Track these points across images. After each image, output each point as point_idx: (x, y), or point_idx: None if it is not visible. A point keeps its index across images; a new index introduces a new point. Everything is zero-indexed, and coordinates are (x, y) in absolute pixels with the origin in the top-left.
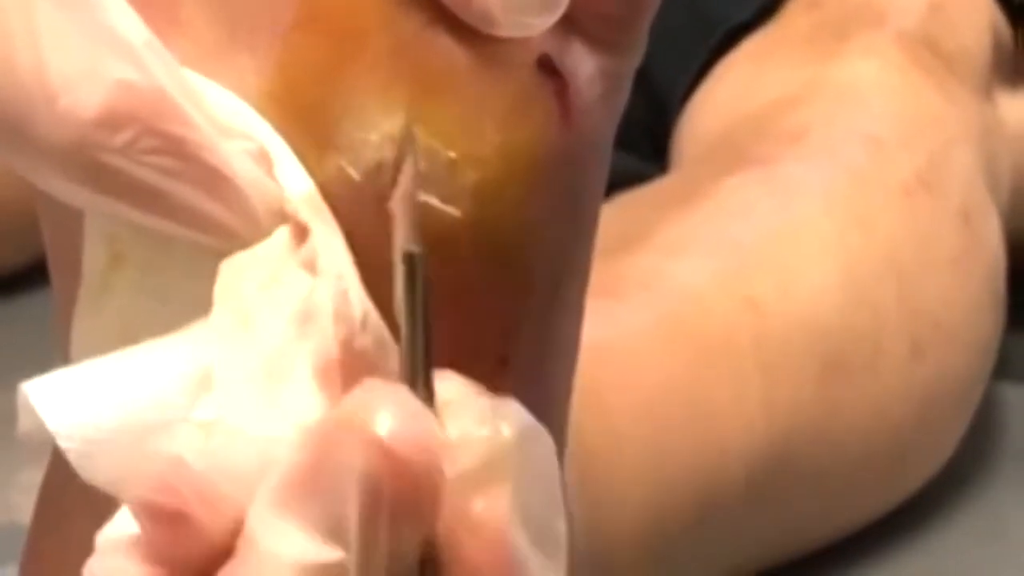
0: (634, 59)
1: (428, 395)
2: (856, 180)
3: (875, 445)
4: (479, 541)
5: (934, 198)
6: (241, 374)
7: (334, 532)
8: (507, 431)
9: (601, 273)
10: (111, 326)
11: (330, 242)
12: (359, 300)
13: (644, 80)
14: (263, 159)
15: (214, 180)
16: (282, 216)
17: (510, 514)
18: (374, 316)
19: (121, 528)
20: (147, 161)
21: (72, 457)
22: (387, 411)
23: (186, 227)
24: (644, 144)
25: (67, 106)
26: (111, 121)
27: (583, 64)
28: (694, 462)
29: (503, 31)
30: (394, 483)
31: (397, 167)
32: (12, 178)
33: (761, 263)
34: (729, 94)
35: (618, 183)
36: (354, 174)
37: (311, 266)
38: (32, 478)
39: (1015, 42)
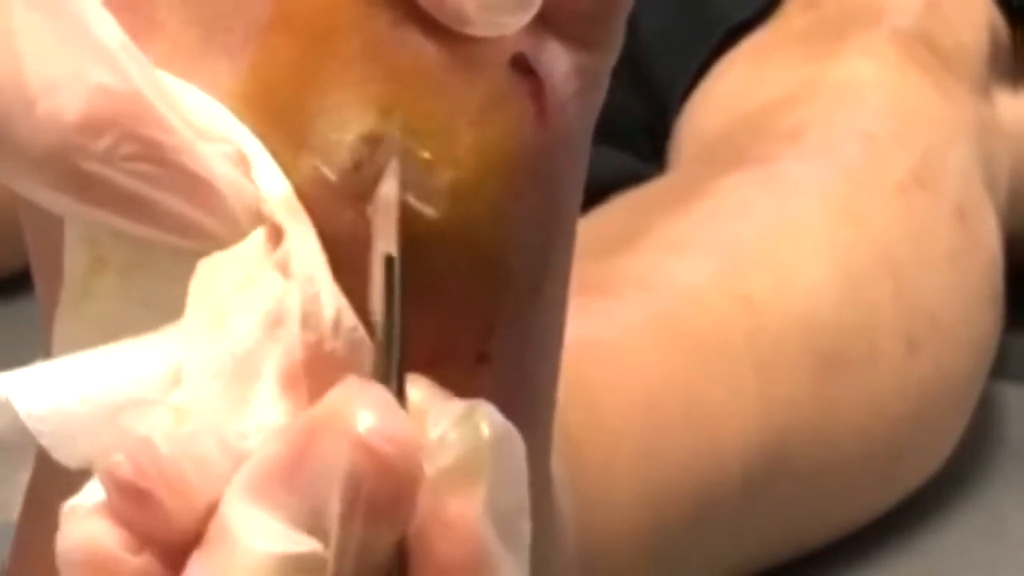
0: (610, 57)
1: (400, 397)
2: (852, 178)
3: (872, 443)
4: (452, 539)
5: (930, 195)
6: (210, 372)
7: (310, 526)
8: (486, 431)
9: (598, 271)
10: (92, 330)
11: (304, 244)
12: (332, 302)
13: (643, 80)
14: (240, 161)
15: (193, 184)
16: (259, 218)
17: (483, 514)
18: (348, 317)
19: (90, 497)
20: (127, 167)
21: (44, 440)
22: (369, 409)
23: (166, 232)
24: (643, 144)
25: (47, 112)
26: (91, 127)
27: (558, 62)
28: (690, 460)
29: (477, 30)
30: (375, 480)
31: (373, 167)
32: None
33: (757, 261)
34: (727, 94)
35: (617, 183)
36: (329, 174)
37: (285, 268)
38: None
39: (1013, 41)
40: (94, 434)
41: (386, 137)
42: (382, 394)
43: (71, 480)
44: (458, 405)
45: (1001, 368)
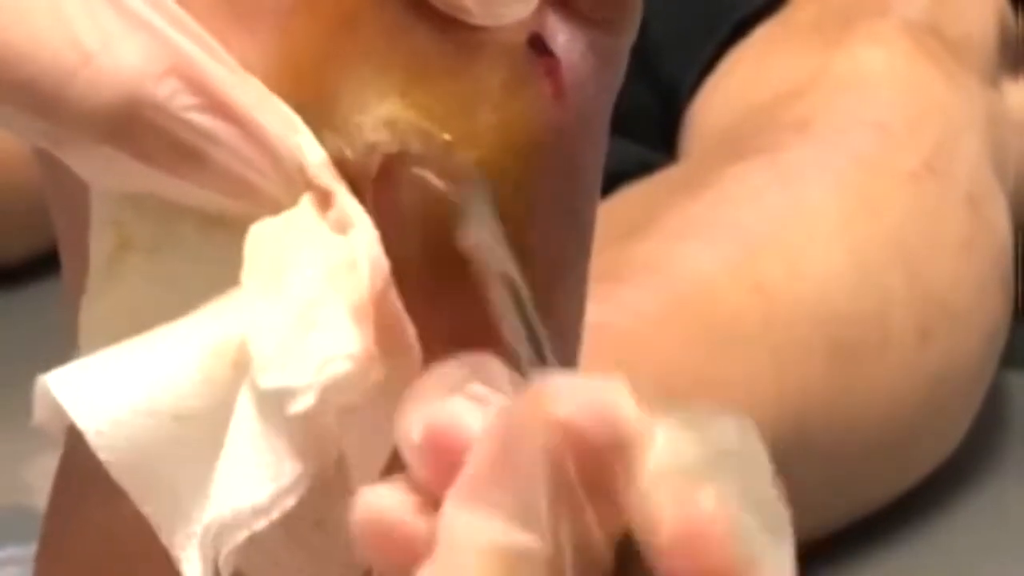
0: (628, 35)
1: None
2: (863, 166)
3: (885, 427)
4: (707, 540)
5: (941, 183)
6: (273, 326)
7: (526, 520)
8: (724, 430)
9: (611, 258)
10: (119, 310)
11: (354, 204)
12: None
13: (654, 72)
14: (288, 124)
15: (249, 142)
16: (306, 182)
17: (735, 509)
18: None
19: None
20: (187, 118)
21: (95, 445)
22: (565, 392)
23: (219, 190)
24: (654, 135)
25: (106, 63)
26: (152, 74)
27: (574, 42)
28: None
29: (479, 21)
30: (577, 458)
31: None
32: (18, 171)
33: (769, 248)
34: (737, 84)
35: (628, 173)
36: (350, 155)
37: (341, 227)
38: (50, 462)
39: (1021, 30)
40: (144, 441)
41: (405, 120)
42: (579, 379)
43: (107, 480)
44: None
45: (1009, 358)
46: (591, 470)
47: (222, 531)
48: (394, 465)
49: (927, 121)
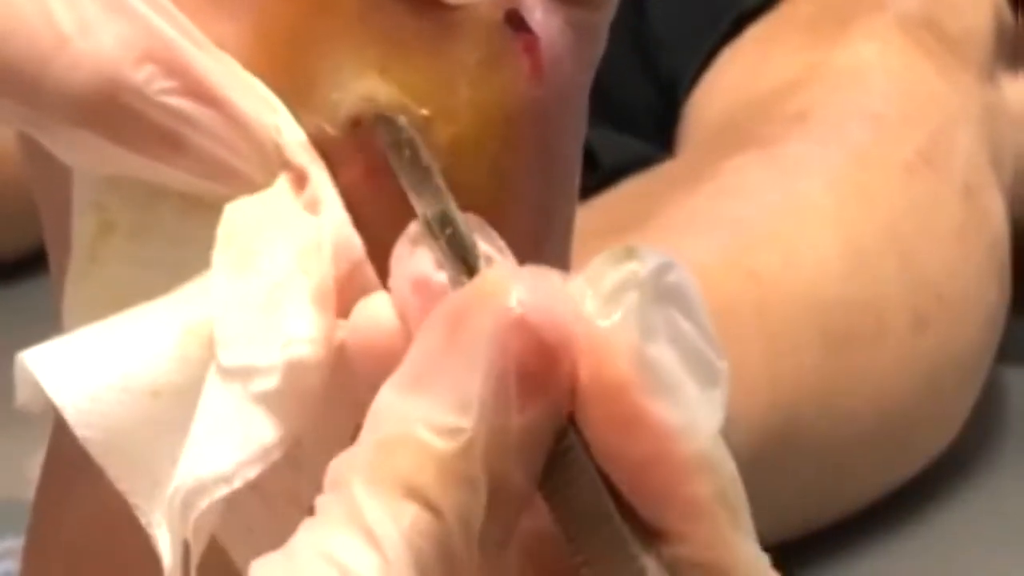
0: (605, 12)
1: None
2: (857, 157)
3: (881, 417)
4: (612, 399)
5: (935, 174)
6: (240, 305)
7: (461, 406)
8: (640, 267)
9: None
10: (101, 293)
11: (327, 185)
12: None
13: (652, 66)
14: (267, 105)
15: (228, 124)
16: (282, 163)
17: (638, 335)
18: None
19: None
20: (165, 102)
21: (72, 421)
22: (522, 284)
23: (198, 174)
24: (652, 129)
25: (84, 47)
26: (129, 59)
27: (552, 18)
28: None
29: (456, 1)
30: (525, 352)
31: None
32: (12, 165)
33: (763, 237)
34: (734, 79)
35: (626, 167)
36: (331, 131)
37: (313, 206)
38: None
39: (1017, 25)
40: (121, 417)
41: (384, 96)
42: (539, 272)
43: (93, 466)
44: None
45: (1005, 352)
46: (532, 363)
47: (187, 499)
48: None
49: (922, 113)
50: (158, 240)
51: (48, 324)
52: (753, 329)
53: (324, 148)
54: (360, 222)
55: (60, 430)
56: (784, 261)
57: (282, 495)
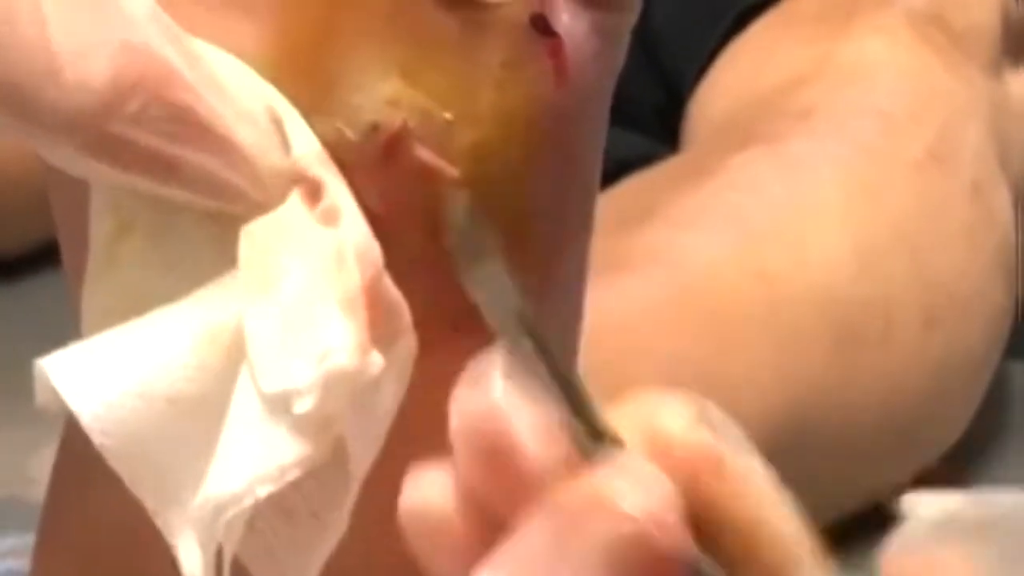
0: (629, 17)
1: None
2: (866, 154)
3: (890, 415)
4: None
5: (944, 171)
6: (270, 327)
7: None
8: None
9: (613, 247)
10: (120, 295)
11: (344, 193)
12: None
13: (657, 63)
14: (273, 119)
15: (221, 146)
16: (292, 177)
17: None
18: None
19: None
20: (156, 129)
21: (89, 428)
22: (637, 487)
23: (195, 194)
24: (656, 126)
25: (75, 77)
26: (119, 91)
27: (577, 22)
28: None
29: None
30: (642, 564)
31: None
32: (16, 163)
33: (772, 236)
34: (740, 75)
35: (631, 164)
36: (351, 135)
37: (330, 218)
38: (53, 454)
39: None
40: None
41: (406, 98)
42: (647, 468)
43: (107, 468)
44: None
45: (1012, 348)
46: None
47: (218, 509)
48: (387, 451)
49: (930, 110)
50: (176, 241)
51: (50, 322)
52: (763, 330)
53: (342, 152)
54: (376, 227)
55: (74, 430)
56: (793, 259)
57: (304, 509)
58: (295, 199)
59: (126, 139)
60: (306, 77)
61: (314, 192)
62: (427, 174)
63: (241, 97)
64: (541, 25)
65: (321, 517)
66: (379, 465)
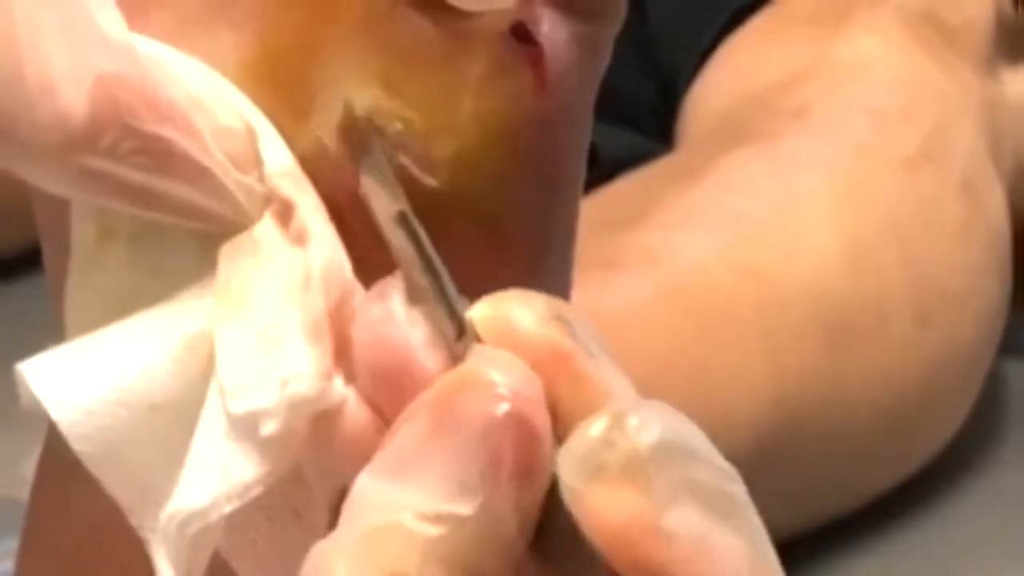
0: (611, 26)
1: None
2: (858, 152)
3: (884, 412)
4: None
5: (936, 168)
6: (240, 350)
7: (453, 494)
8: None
9: (605, 246)
10: (102, 300)
11: (314, 212)
12: (348, 264)
13: (651, 61)
14: (248, 134)
15: (197, 172)
16: (264, 196)
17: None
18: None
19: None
20: (132, 162)
21: (68, 434)
22: (504, 371)
23: (176, 218)
24: (651, 124)
25: (48, 113)
26: (92, 128)
27: (557, 31)
28: (700, 429)
29: (463, 6)
30: (518, 439)
31: (373, 137)
32: None
33: (763, 233)
34: (734, 74)
35: (625, 162)
36: (330, 144)
37: (299, 238)
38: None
39: (1018, 17)
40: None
41: (386, 108)
42: (513, 358)
43: (88, 471)
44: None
45: (1007, 346)
46: (525, 450)
47: (184, 524)
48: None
49: (922, 108)
50: (159, 246)
51: (47, 323)
52: (754, 325)
53: (320, 161)
54: (349, 237)
55: (55, 434)
56: (784, 256)
57: (285, 509)
58: (268, 219)
59: (101, 171)
60: (286, 86)
61: (285, 212)
62: (406, 184)
63: (218, 113)
64: (522, 34)
65: (301, 518)
66: None
